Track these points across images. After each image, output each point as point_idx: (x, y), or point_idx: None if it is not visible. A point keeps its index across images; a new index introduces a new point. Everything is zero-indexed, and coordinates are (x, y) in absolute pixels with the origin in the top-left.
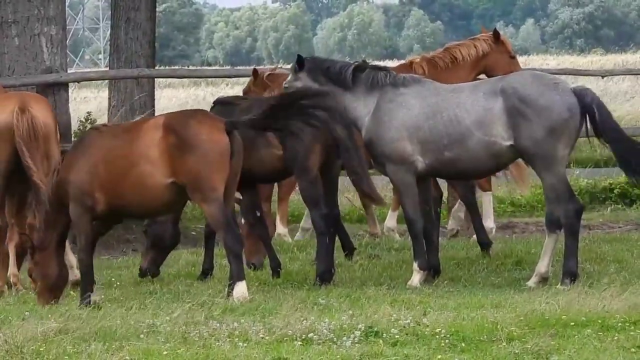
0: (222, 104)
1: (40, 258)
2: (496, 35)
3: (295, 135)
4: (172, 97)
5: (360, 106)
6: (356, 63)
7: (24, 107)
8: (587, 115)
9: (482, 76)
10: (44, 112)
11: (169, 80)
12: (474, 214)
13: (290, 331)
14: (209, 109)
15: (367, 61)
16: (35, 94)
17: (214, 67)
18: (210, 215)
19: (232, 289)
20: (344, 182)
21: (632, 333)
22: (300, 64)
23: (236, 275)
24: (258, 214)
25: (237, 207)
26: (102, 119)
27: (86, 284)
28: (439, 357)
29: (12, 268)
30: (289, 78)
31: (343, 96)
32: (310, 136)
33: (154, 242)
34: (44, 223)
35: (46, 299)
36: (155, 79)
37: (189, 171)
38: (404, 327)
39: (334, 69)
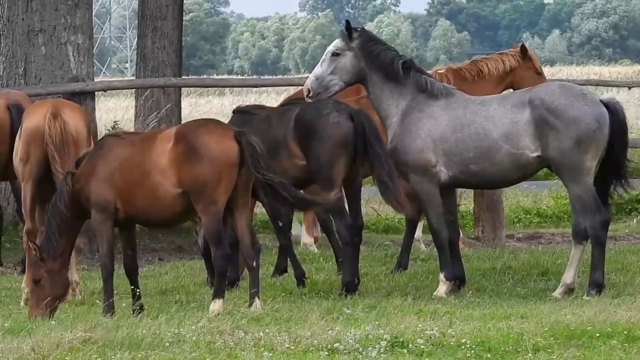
0: (241, 113)
1: (54, 266)
2: (523, 50)
3: (319, 145)
4: (198, 106)
5: (393, 106)
6: (404, 57)
7: (56, 112)
8: (612, 129)
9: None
10: (77, 118)
11: (195, 89)
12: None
13: (316, 341)
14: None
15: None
16: (70, 101)
17: (240, 77)
18: (206, 226)
19: (254, 299)
20: (369, 192)
21: None
22: (349, 31)
23: (215, 293)
24: (280, 224)
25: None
26: (129, 128)
27: (108, 291)
28: None
29: None
30: (339, 44)
31: (382, 86)
32: (334, 145)
33: (200, 252)
34: (57, 230)
35: (45, 310)
36: (182, 88)
37: (195, 179)
38: (430, 337)
39: (387, 56)
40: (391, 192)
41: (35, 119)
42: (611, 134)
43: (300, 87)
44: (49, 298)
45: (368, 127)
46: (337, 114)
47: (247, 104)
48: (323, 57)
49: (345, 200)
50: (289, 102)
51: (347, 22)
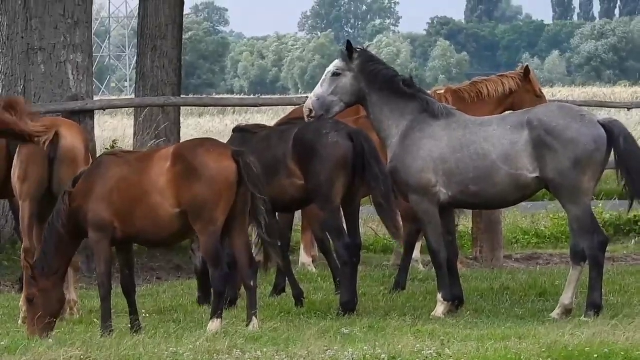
0: (241, 132)
1: (47, 285)
2: (526, 72)
3: (319, 164)
4: (197, 125)
5: (393, 126)
6: (404, 78)
7: (54, 127)
8: (613, 146)
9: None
10: (74, 136)
11: (195, 108)
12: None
13: None
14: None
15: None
16: (69, 120)
17: (239, 96)
18: (204, 246)
19: (251, 319)
20: (368, 212)
21: None
22: (350, 52)
23: (213, 312)
24: (279, 244)
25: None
26: (128, 147)
27: (106, 310)
28: None
29: None
30: (339, 64)
31: (382, 107)
32: (333, 165)
33: (194, 270)
34: (54, 249)
35: (43, 329)
36: (181, 108)
37: (193, 198)
38: (428, 357)
39: (386, 76)
40: (388, 216)
41: None
42: (615, 153)
43: (295, 107)
44: (44, 316)
45: (367, 147)
46: (336, 134)
47: (247, 123)
48: (323, 77)
49: (344, 219)
50: (287, 122)
51: (348, 42)
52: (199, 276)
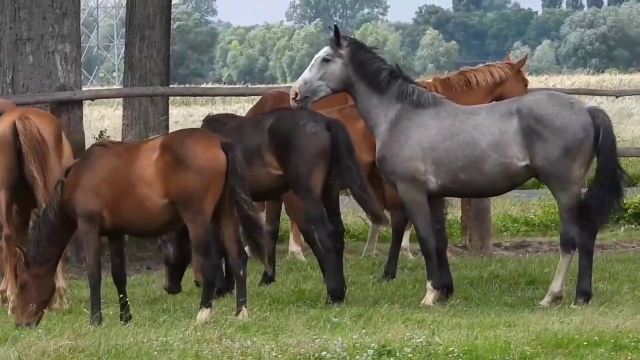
0: (211, 122)
1: (39, 272)
2: (522, 62)
3: (297, 155)
4: (186, 115)
5: (382, 115)
6: (391, 67)
7: (23, 117)
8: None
9: None
10: (43, 125)
11: (183, 98)
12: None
13: (303, 349)
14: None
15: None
16: (39, 110)
17: (228, 86)
18: (194, 236)
19: (241, 308)
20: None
21: None
22: (337, 37)
23: (203, 301)
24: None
25: None
26: (116, 137)
27: (96, 300)
28: None
29: None
30: (329, 51)
31: (370, 95)
32: (313, 156)
33: (165, 260)
34: (46, 238)
35: (32, 316)
36: (170, 97)
37: (182, 189)
38: (417, 346)
39: (375, 65)
40: (368, 205)
41: (0, 127)
42: (597, 143)
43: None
44: (34, 303)
45: (342, 138)
46: (314, 124)
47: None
48: (312, 62)
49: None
50: (265, 112)
51: (336, 27)
52: (168, 266)
